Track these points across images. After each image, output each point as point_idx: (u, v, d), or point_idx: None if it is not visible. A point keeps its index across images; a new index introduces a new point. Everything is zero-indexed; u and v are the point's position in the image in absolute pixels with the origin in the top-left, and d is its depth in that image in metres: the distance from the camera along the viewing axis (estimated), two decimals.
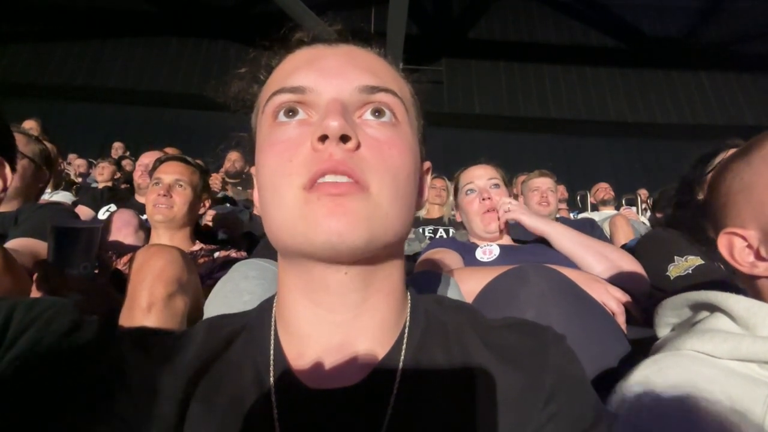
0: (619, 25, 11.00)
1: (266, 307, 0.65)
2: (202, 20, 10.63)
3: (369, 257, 0.56)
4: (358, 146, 0.54)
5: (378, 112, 0.58)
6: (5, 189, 0.94)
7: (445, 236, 3.33)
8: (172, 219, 1.99)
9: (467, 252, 1.81)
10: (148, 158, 3.28)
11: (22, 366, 0.69)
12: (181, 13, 10.73)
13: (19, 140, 1.83)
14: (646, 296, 1.47)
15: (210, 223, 2.72)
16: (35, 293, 1.17)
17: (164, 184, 2.01)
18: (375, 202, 0.53)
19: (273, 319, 0.63)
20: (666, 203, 3.22)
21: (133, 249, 1.97)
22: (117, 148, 7.38)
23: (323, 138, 0.53)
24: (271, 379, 0.57)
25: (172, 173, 2.04)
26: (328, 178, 0.52)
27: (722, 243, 0.81)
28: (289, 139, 0.56)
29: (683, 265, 1.56)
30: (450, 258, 1.73)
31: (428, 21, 10.88)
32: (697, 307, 0.81)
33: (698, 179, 1.71)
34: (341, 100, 0.56)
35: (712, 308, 0.77)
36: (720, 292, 0.75)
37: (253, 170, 0.65)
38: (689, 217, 1.68)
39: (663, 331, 0.88)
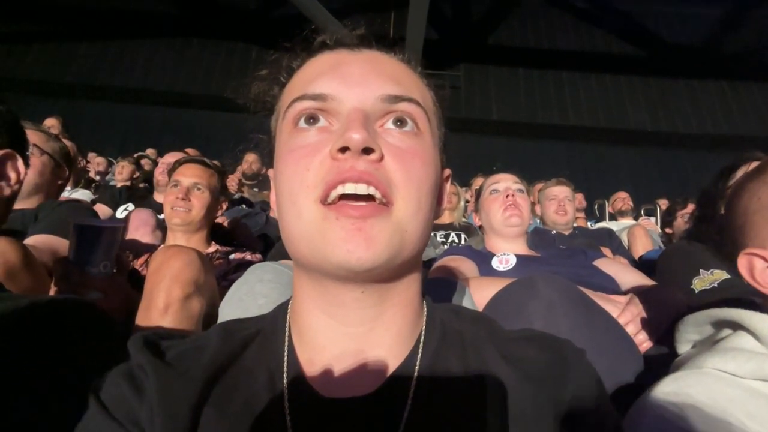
0: (640, 32, 10.88)
1: (281, 312, 0.65)
2: (222, 22, 10.74)
3: (387, 275, 0.55)
4: (381, 158, 0.54)
5: (400, 122, 0.58)
6: (19, 182, 0.96)
7: (457, 240, 3.31)
8: (189, 223, 2.00)
9: (483, 261, 1.80)
10: (172, 157, 3.32)
11: (39, 364, 0.70)
12: (202, 15, 10.85)
13: (39, 138, 1.86)
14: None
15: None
16: (53, 291, 1.18)
17: (182, 187, 2.02)
18: (396, 220, 0.53)
19: (287, 325, 0.62)
20: (675, 219, 3.18)
21: (149, 249, 1.99)
22: (150, 155, 7.26)
23: (344, 149, 0.52)
24: (285, 386, 0.57)
25: (191, 176, 2.05)
26: (348, 188, 0.52)
27: (742, 264, 0.79)
28: (308, 145, 0.56)
29: (709, 278, 1.53)
30: (465, 266, 1.72)
31: (447, 26, 10.87)
32: (720, 324, 0.79)
33: (720, 193, 1.69)
34: (363, 110, 0.55)
35: (736, 326, 0.75)
36: (744, 310, 0.73)
37: (270, 173, 0.65)
38: (714, 232, 1.65)
39: (683, 347, 0.87)
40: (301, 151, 0.56)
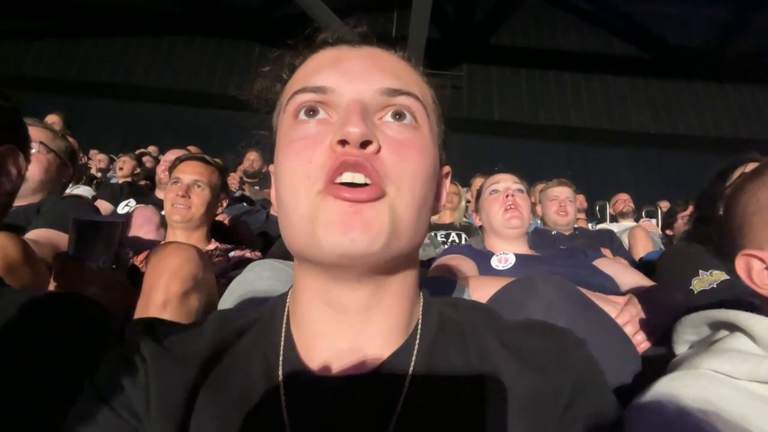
0: (644, 34, 10.86)
1: (279, 301, 0.66)
2: (225, 21, 10.74)
3: (383, 267, 0.56)
4: (378, 150, 0.54)
5: (399, 115, 0.58)
6: (20, 177, 0.95)
7: (457, 240, 3.32)
8: (189, 219, 2.01)
9: (483, 260, 1.80)
10: (174, 155, 3.33)
11: (39, 359, 0.70)
12: (205, 13, 10.86)
13: (47, 136, 1.88)
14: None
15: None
16: (53, 286, 1.19)
17: (183, 184, 2.02)
18: (391, 208, 0.53)
19: (286, 313, 0.63)
20: (675, 220, 3.18)
21: (150, 245, 1.99)
22: (151, 152, 7.30)
23: (343, 142, 0.53)
24: (280, 370, 0.57)
25: (191, 173, 2.06)
26: (346, 177, 0.52)
27: (740, 265, 0.79)
28: (308, 136, 0.56)
29: (708, 279, 1.54)
30: (464, 265, 1.72)
31: (450, 26, 10.86)
32: (717, 325, 0.79)
33: (718, 194, 1.70)
34: (362, 102, 0.56)
35: (732, 327, 0.75)
36: (741, 312, 0.73)
37: (271, 168, 0.65)
38: (714, 233, 1.66)
39: (681, 348, 0.87)
40: (301, 142, 0.56)
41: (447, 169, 0.70)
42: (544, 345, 0.60)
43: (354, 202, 0.51)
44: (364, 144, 0.53)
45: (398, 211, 0.54)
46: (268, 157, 0.67)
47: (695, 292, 1.54)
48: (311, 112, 0.58)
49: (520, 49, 11.03)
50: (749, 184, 0.81)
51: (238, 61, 10.26)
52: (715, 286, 1.50)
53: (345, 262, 0.53)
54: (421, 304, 0.65)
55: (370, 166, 0.53)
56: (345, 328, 0.58)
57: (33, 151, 1.52)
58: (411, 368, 0.57)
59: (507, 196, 1.93)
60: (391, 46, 0.66)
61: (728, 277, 1.49)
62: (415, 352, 0.59)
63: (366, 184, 0.52)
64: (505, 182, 2.00)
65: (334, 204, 0.51)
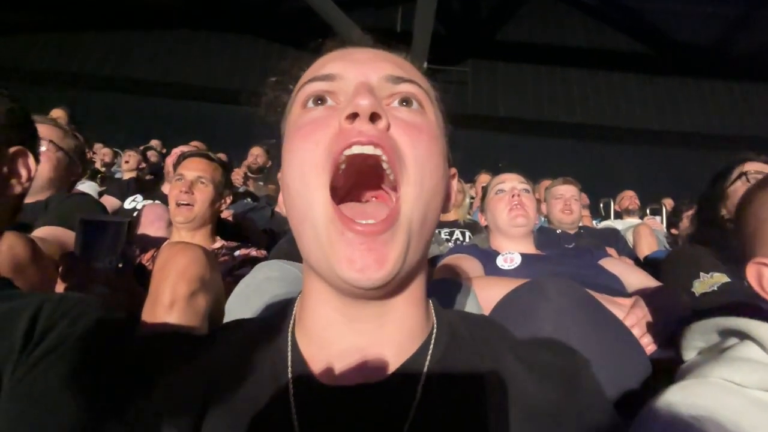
0: (650, 30, 10.79)
1: (286, 309, 0.66)
2: (230, 14, 10.72)
3: (397, 282, 0.56)
4: (388, 127, 0.55)
5: (405, 101, 0.60)
6: (30, 179, 0.95)
7: (461, 238, 3.31)
8: (192, 219, 2.01)
9: (488, 260, 1.80)
10: (186, 149, 3.34)
11: (49, 363, 0.70)
12: (209, 7, 10.84)
13: (57, 134, 1.89)
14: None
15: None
16: (60, 285, 1.19)
17: (186, 181, 2.03)
18: (403, 226, 0.53)
19: (292, 321, 0.63)
20: (681, 219, 3.18)
21: (156, 242, 2.00)
22: (155, 146, 7.30)
23: (352, 116, 0.53)
24: (289, 378, 0.57)
25: (195, 170, 2.07)
26: (355, 149, 0.53)
27: (751, 273, 0.79)
28: (316, 119, 0.57)
29: (708, 281, 1.53)
30: (470, 265, 1.72)
31: (455, 21, 10.81)
32: (727, 333, 0.79)
33: (719, 195, 1.71)
34: (369, 84, 0.57)
35: (742, 335, 0.75)
36: (751, 320, 0.73)
37: (279, 176, 0.65)
38: (717, 234, 1.65)
39: (689, 354, 0.86)
40: (308, 127, 0.57)
41: (453, 170, 0.70)
42: (556, 361, 0.60)
43: (367, 235, 0.51)
44: (374, 118, 0.54)
45: (409, 212, 0.54)
46: (276, 162, 0.68)
47: (697, 294, 1.54)
48: (319, 100, 0.59)
49: (525, 45, 10.98)
50: (760, 192, 0.81)
51: (242, 55, 10.25)
52: (716, 288, 1.50)
53: (360, 290, 0.53)
54: (433, 312, 0.65)
55: (385, 139, 0.53)
56: (356, 336, 0.58)
57: (42, 149, 1.52)
58: (424, 373, 0.57)
59: (513, 195, 1.94)
60: (395, 49, 0.67)
61: (729, 280, 1.49)
62: (428, 357, 0.59)
63: (375, 199, 0.53)
64: (511, 182, 2.00)
65: (343, 237, 0.51)
